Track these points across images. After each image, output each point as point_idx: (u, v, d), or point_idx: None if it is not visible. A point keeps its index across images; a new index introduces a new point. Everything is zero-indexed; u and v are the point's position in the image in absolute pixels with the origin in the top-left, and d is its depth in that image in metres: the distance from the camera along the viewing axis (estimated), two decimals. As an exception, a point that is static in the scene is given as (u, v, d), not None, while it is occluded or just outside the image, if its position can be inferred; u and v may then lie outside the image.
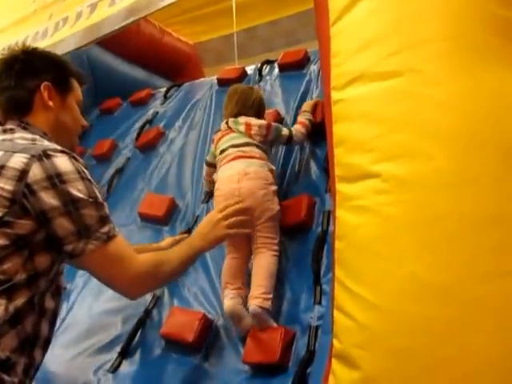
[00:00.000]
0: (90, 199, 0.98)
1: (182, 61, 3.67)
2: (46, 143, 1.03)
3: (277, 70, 2.20)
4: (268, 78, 2.21)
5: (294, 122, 1.82)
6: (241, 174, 1.42)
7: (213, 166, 1.63)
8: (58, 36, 1.70)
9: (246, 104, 1.60)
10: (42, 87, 1.14)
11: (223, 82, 2.29)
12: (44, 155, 0.96)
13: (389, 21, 0.88)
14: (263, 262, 1.35)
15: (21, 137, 1.05)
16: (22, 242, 0.95)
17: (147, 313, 1.58)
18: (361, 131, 0.86)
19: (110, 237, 0.99)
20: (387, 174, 0.80)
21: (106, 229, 0.99)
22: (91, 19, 1.56)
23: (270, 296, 1.31)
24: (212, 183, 1.61)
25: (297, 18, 4.04)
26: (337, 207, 0.90)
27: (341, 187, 0.90)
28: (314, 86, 1.94)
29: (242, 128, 1.54)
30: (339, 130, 0.92)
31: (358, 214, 0.83)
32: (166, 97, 2.55)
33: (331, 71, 0.96)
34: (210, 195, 1.78)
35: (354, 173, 0.86)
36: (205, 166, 1.73)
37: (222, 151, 1.54)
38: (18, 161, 0.95)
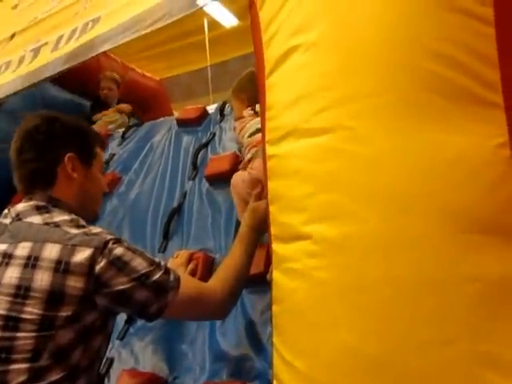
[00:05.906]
0: (151, 266, 1.02)
1: (147, 97, 3.65)
2: (97, 230, 1.04)
3: (240, 108, 2.16)
4: (230, 117, 2.15)
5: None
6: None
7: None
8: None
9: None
10: (65, 159, 1.13)
11: (183, 123, 2.25)
12: (104, 246, 0.99)
13: (319, 75, 0.84)
14: None
15: (63, 221, 1.04)
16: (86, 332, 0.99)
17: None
18: (293, 189, 0.82)
19: (177, 280, 1.05)
20: (318, 235, 0.76)
21: (171, 277, 1.04)
22: (34, 63, 1.52)
23: None
24: None
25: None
26: (273, 269, 0.86)
27: (276, 247, 0.86)
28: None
29: None
30: (273, 186, 0.88)
31: (292, 277, 0.79)
32: (123, 137, 2.48)
33: (266, 124, 0.93)
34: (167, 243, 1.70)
35: (288, 233, 0.82)
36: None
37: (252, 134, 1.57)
38: (83, 256, 0.97)
